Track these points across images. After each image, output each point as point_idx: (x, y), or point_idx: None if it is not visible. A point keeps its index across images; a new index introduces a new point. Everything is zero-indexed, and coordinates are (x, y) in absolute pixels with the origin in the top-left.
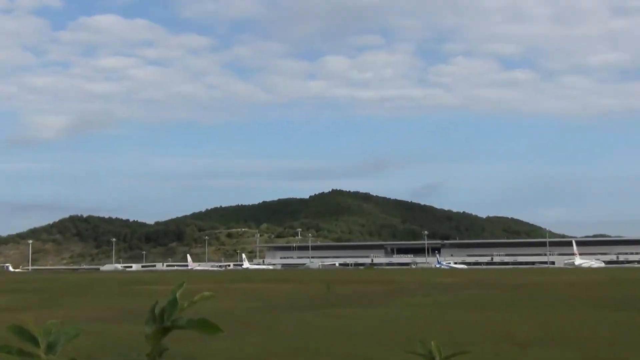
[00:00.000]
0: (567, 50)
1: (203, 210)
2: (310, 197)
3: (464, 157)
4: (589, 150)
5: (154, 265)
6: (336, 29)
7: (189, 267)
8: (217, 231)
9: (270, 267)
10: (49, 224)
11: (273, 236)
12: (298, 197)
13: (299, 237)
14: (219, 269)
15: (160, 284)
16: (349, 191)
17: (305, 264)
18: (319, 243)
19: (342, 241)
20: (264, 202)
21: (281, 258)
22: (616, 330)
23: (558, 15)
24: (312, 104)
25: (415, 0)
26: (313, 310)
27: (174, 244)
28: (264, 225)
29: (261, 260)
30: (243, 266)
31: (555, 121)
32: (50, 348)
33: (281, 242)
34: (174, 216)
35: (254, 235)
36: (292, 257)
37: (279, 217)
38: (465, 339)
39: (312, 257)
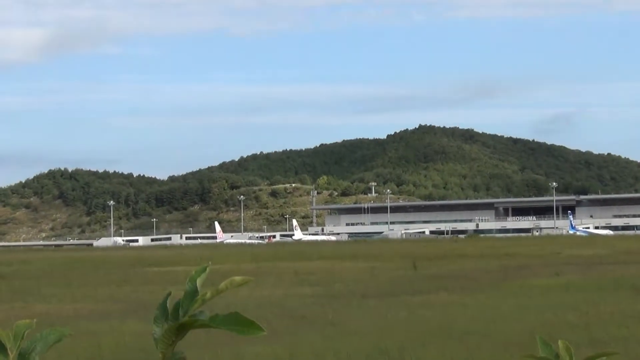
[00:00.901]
0: None
1: (236, 159)
2: (388, 137)
3: (610, 74)
4: None
5: (169, 239)
6: None
7: (218, 240)
8: (256, 188)
9: (333, 237)
10: (20, 183)
11: (336, 194)
12: (371, 137)
13: (373, 194)
14: (260, 241)
15: (179, 264)
16: (444, 127)
17: (382, 232)
18: (401, 202)
19: (433, 199)
20: (322, 145)
21: (347, 225)
22: None
23: None
24: (391, 2)
25: None
26: (393, 299)
27: (196, 208)
28: (322, 179)
29: (320, 229)
30: (294, 237)
31: None
32: (22, 358)
33: (348, 202)
34: (195, 168)
35: (308, 193)
36: (363, 224)
37: (344, 167)
38: (613, 337)
39: (392, 223)
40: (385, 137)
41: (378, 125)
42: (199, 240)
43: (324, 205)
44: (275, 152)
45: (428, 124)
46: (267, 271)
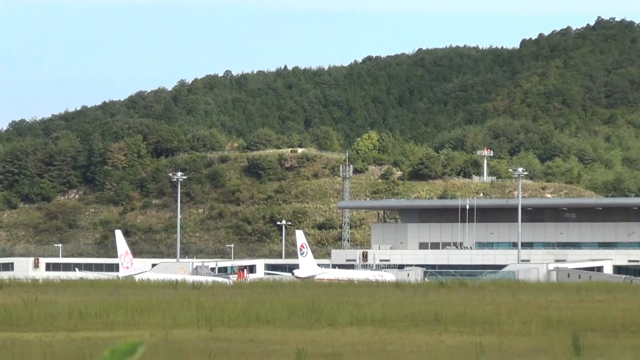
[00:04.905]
0: None
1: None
2: (524, 44)
3: None
4: None
5: (9, 266)
6: None
7: (123, 273)
8: (213, 155)
9: (388, 274)
10: None
11: (399, 173)
12: (482, 44)
13: (485, 177)
14: (218, 278)
15: None
16: None
17: (505, 266)
18: (551, 200)
19: (624, 192)
20: (369, 58)
21: (421, 245)
22: None
23: None
24: None
25: None
26: None
27: (71, 196)
28: (367, 137)
29: (359, 254)
30: (296, 272)
31: None
32: None
33: (422, 195)
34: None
35: (334, 170)
36: (456, 245)
37: (419, 109)
38: None
39: (529, 245)
40: (517, 46)
41: (503, 14)
42: (78, 273)
43: (368, 202)
44: (255, 72)
45: (622, 18)
46: None
